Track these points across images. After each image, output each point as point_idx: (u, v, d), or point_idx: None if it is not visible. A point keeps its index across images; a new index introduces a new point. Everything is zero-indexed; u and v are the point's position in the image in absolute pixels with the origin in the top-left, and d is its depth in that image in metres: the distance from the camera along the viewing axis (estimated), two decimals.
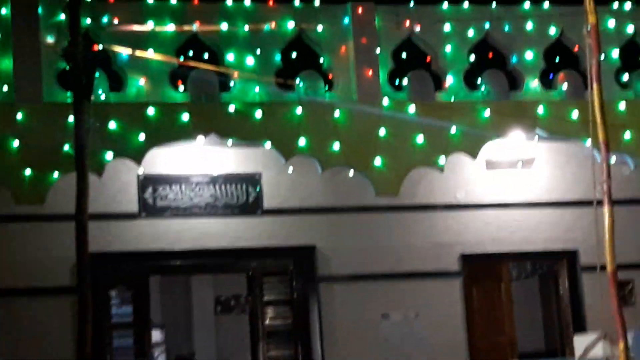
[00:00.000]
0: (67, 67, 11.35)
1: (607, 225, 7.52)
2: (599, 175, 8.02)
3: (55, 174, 11.68)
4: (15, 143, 11.88)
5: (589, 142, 10.70)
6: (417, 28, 13.58)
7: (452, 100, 13.54)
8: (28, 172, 11.79)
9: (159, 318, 14.38)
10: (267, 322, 13.10)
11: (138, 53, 12.42)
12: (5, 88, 12.17)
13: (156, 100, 12.47)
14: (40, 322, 11.86)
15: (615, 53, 13.95)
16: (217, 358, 15.34)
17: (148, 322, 13.12)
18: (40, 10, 12.46)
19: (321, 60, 13.37)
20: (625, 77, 14.01)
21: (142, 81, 12.57)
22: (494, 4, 13.96)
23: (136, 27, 12.58)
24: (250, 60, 12.87)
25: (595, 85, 7.80)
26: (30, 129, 11.93)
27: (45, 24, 12.39)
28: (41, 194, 11.78)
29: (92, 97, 10.71)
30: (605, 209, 7.61)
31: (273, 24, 13.10)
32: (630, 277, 12.50)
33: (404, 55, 13.67)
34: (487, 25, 13.88)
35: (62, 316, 11.55)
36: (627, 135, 13.17)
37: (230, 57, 12.94)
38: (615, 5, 13.90)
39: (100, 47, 12.08)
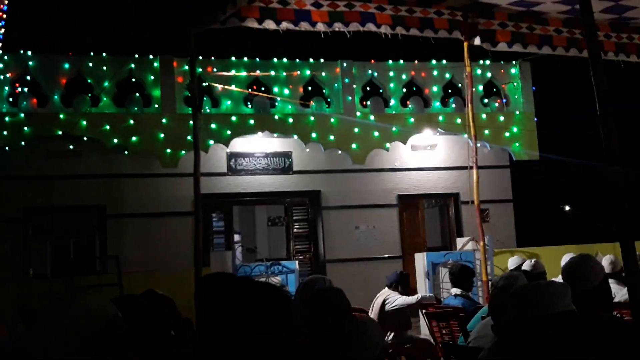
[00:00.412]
0: (189, 94, 11.99)
1: (475, 180, 9.46)
2: (471, 153, 9.96)
3: (183, 152, 12.45)
4: (162, 135, 12.65)
5: (466, 135, 11.55)
6: (375, 74, 14.20)
7: (393, 112, 14.01)
8: (169, 150, 12.63)
9: (238, 228, 14.58)
10: (294, 230, 14.19)
11: (226, 87, 13.07)
12: (156, 106, 12.92)
13: (236, 112, 13.15)
14: (173, 231, 12.76)
15: (480, 87, 14.44)
16: (268, 250, 15.56)
17: (231, 230, 13.87)
18: (176, 64, 13.00)
19: (324, 90, 13.96)
20: (485, 100, 14.55)
21: (228, 102, 13.27)
22: (416, 61, 14.34)
23: (225, 73, 13.15)
24: (286, 92, 13.48)
25: (469, 105, 9.66)
26: (170, 127, 12.64)
27: (177, 71, 12.98)
28: (175, 162, 12.59)
29: (202, 110, 11.04)
30: (474, 171, 9.51)
31: (297, 72, 13.63)
32: (486, 207, 12.81)
33: (367, 88, 14.27)
34: (412, 73, 14.28)
35: (186, 228, 12.28)
36: (486, 132, 13.81)
37: (275, 89, 13.47)
38: (481, 62, 14.18)
39: (206, 83, 12.20)
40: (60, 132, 12.22)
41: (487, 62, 14.39)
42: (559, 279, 3.98)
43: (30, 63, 12.49)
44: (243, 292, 1.87)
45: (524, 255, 9.01)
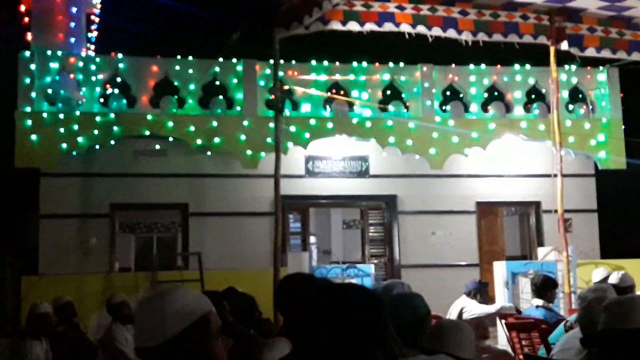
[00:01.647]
0: (270, 97, 12.32)
1: (559, 188, 9.29)
2: (555, 160, 9.76)
3: (263, 154, 12.48)
4: (242, 137, 12.70)
5: (550, 142, 11.19)
6: (456, 78, 13.97)
7: (474, 118, 13.75)
8: (249, 151, 12.65)
9: (314, 230, 14.55)
10: (369, 234, 14.08)
11: (306, 90, 13.14)
12: (238, 108, 12.92)
13: (315, 115, 13.14)
14: (253, 231, 12.82)
15: (565, 94, 13.96)
16: (343, 253, 15.55)
17: (308, 231, 13.99)
18: (258, 68, 13.05)
19: (403, 95, 13.67)
20: (570, 107, 14.14)
21: (307, 105, 13.28)
22: (498, 66, 13.99)
23: (305, 77, 13.20)
24: (365, 95, 13.36)
25: (555, 111, 9.49)
26: (251, 129, 12.68)
27: (259, 75, 13.06)
28: (255, 163, 12.65)
29: (283, 113, 11.08)
30: (558, 179, 9.34)
31: (376, 76, 13.52)
32: (569, 217, 12.05)
33: (447, 92, 13.92)
34: (494, 77, 13.97)
35: (264, 228, 12.36)
36: (571, 139, 13.34)
37: (354, 93, 13.39)
38: (566, 67, 13.76)
39: (287, 87, 12.85)
40: (147, 132, 12.48)
41: (574, 67, 13.98)
42: None
43: (121, 65, 12.76)
44: (330, 292, 1.86)
45: (608, 268, 8.85)
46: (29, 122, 12.00)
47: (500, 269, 10.99)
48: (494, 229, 14.40)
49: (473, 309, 7.99)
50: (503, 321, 7.43)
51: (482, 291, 8.28)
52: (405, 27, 8.01)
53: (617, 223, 18.32)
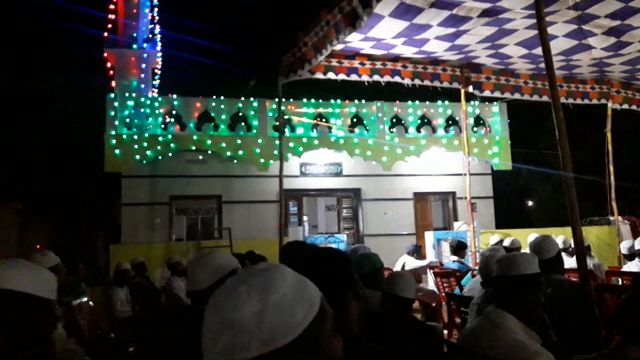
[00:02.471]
0: (276, 124, 12.04)
1: (468, 182, 9.39)
2: (465, 164, 9.87)
3: (271, 161, 12.47)
4: (257, 150, 12.58)
5: (461, 152, 11.27)
6: (399, 110, 13.70)
7: (411, 136, 13.49)
8: (262, 160, 12.57)
9: (306, 211, 14.34)
10: (343, 214, 13.94)
11: (300, 119, 13.00)
12: (254, 131, 12.72)
13: (306, 135, 12.95)
14: (262, 213, 12.75)
15: (471, 120, 13.89)
16: (325, 227, 15.48)
17: (302, 213, 13.80)
18: (267, 104, 12.89)
19: (364, 121, 13.46)
20: (475, 129, 13.95)
21: (301, 129, 13.05)
22: (427, 102, 13.82)
23: (299, 110, 13.09)
24: (339, 122, 13.24)
25: (464, 131, 9.56)
26: (263, 145, 12.53)
27: (269, 109, 12.88)
28: (266, 168, 12.53)
29: (284, 134, 11.76)
30: (467, 177, 9.43)
31: (346, 109, 13.31)
32: (474, 201, 10.82)
33: (393, 120, 13.72)
34: (424, 110, 13.81)
35: (272, 211, 12.38)
36: (475, 150, 13.28)
37: (332, 120, 13.16)
38: (472, 102, 13.73)
39: (287, 116, 12.74)
40: (193, 148, 12.42)
41: (477, 102, 14.00)
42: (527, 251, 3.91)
43: (175, 103, 12.68)
44: (316, 252, 1.87)
45: (501, 235, 8.90)
46: (114, 141, 11.98)
47: (429, 237, 10.99)
48: (425, 210, 14.34)
49: (412, 263, 8.03)
50: (431, 271, 7.48)
51: (418, 251, 8.32)
52: (365, 77, 8.01)
53: (506, 205, 18.54)
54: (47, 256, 3.01)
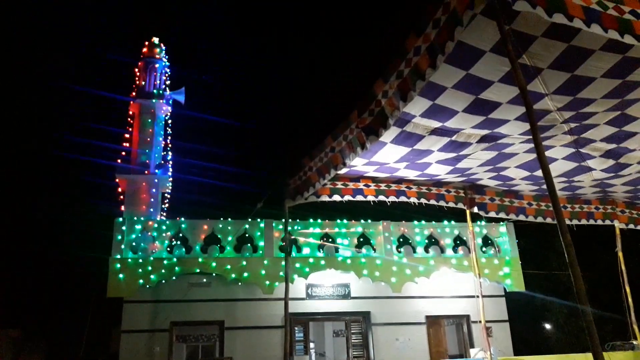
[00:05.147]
0: (282, 244, 12.35)
1: (481, 305, 9.12)
2: (477, 286, 9.66)
3: (277, 283, 12.19)
4: (263, 272, 12.25)
5: (472, 273, 11.06)
6: (406, 230, 13.75)
7: (419, 256, 13.39)
8: (267, 282, 12.23)
9: (313, 337, 13.55)
10: (352, 340, 13.27)
11: (306, 239, 12.98)
12: (260, 252, 12.62)
13: (313, 255, 12.84)
14: (266, 341, 12.21)
15: (479, 240, 13.74)
16: (334, 355, 14.64)
17: (308, 339, 13.04)
18: (274, 224, 12.89)
19: (371, 241, 13.54)
20: (484, 249, 13.82)
21: (307, 249, 13.00)
22: (433, 222, 13.86)
23: (305, 230, 13.13)
24: (345, 242, 13.19)
25: (473, 252, 9.49)
26: (269, 266, 12.29)
27: (275, 229, 12.83)
28: (271, 290, 12.18)
29: (290, 255, 12.01)
30: (480, 299, 9.19)
31: (353, 229, 13.36)
32: (489, 325, 11.57)
33: (401, 239, 13.62)
34: (431, 230, 13.78)
35: (277, 337, 12.04)
36: (486, 271, 13.27)
37: (339, 241, 13.22)
38: (479, 222, 13.69)
39: (293, 237, 12.76)
40: (198, 270, 12.32)
41: (483, 222, 14.02)
42: None
43: (183, 226, 12.85)
44: None
45: None
46: (118, 265, 11.95)
47: None
48: (439, 335, 13.72)
49: None
50: None
51: None
52: (371, 197, 8.19)
53: (522, 329, 17.71)
54: None
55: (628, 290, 9.78)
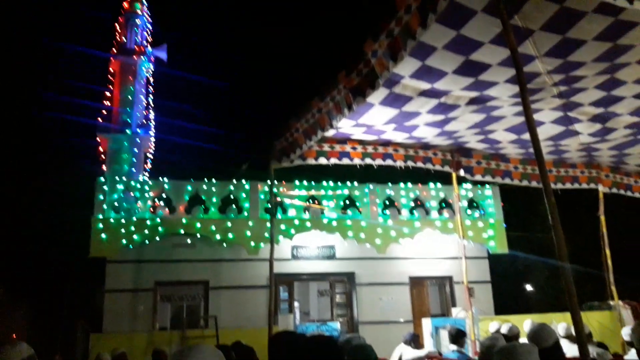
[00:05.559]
0: (268, 206, 12.16)
1: (464, 267, 9.31)
2: (460, 247, 9.84)
3: (262, 244, 12.33)
4: (248, 233, 12.45)
5: (456, 235, 11.29)
6: (392, 193, 14.00)
7: (404, 219, 13.69)
8: (252, 243, 12.48)
9: (297, 297, 13.42)
10: (336, 300, 13.64)
11: (292, 201, 13.18)
12: (245, 213, 12.64)
13: (298, 217, 13.03)
14: (251, 300, 12.39)
15: (464, 203, 14.21)
16: (318, 313, 14.28)
17: (292, 298, 13.23)
18: (259, 186, 13.01)
19: (357, 203, 13.67)
20: (469, 211, 14.14)
21: (293, 211, 13.16)
22: (419, 184, 14.05)
23: (291, 192, 13.23)
24: (331, 204, 13.38)
25: (458, 214, 9.62)
26: (254, 228, 12.57)
27: (260, 191, 13.02)
28: (256, 251, 12.37)
29: (276, 217, 12.00)
30: (463, 261, 9.38)
31: (339, 191, 13.57)
32: (472, 286, 10.93)
33: (386, 202, 13.92)
34: (417, 192, 14.07)
35: (262, 297, 12.16)
36: (470, 233, 13.57)
37: (325, 203, 13.42)
38: (464, 185, 14.01)
39: (279, 199, 12.96)
40: (182, 231, 12.40)
41: (469, 185, 14.22)
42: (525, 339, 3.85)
43: (166, 186, 12.83)
44: (305, 344, 1.84)
45: (500, 321, 8.65)
46: (101, 225, 11.97)
47: (427, 324, 10.71)
48: (422, 295, 14.07)
49: (409, 353, 7.76)
50: None
51: (415, 340, 8.05)
52: (357, 160, 8.19)
53: (504, 290, 18.25)
54: (17, 348, 2.92)
55: (608, 253, 10.08)
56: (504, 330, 6.81)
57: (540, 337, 3.27)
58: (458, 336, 7.05)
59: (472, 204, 14.57)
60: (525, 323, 6.93)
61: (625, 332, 6.29)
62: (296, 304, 13.44)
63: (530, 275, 23.32)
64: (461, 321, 10.26)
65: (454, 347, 6.98)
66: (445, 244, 13.88)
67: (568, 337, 6.48)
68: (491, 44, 4.99)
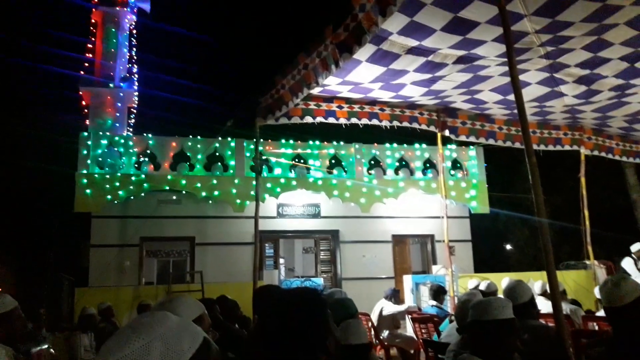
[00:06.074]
0: (253, 164, 11.73)
1: (446, 226, 9.45)
2: (442, 207, 9.97)
3: (247, 202, 12.46)
4: (234, 190, 12.48)
5: (439, 195, 10.95)
6: (377, 152, 13.96)
7: (389, 179, 13.74)
8: (238, 200, 12.47)
9: (282, 254, 13.69)
10: (321, 256, 13.75)
11: (278, 159, 13.08)
12: (231, 171, 12.77)
13: (284, 176, 13.00)
14: (237, 256, 12.43)
15: (448, 163, 14.17)
16: (302, 270, 14.69)
17: (278, 255, 13.43)
18: (245, 144, 12.93)
19: (342, 163, 13.68)
20: (452, 172, 14.25)
21: (279, 169, 13.11)
22: (404, 145, 14.05)
23: (277, 150, 13.18)
24: (317, 163, 13.35)
25: (442, 175, 9.71)
26: (240, 185, 12.61)
27: (246, 149, 12.92)
28: (242, 208, 12.49)
29: (261, 175, 11.45)
30: (445, 220, 9.51)
31: (325, 151, 13.51)
32: (452, 245, 11.12)
33: (372, 162, 14.01)
34: (402, 152, 14.04)
35: (247, 253, 11.82)
36: (453, 193, 13.63)
37: (310, 162, 13.37)
38: (449, 146, 13.90)
39: (264, 157, 12.39)
40: (167, 188, 12.34)
41: (454, 145, 14.18)
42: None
43: (150, 142, 12.69)
44: (287, 295, 1.84)
45: (479, 279, 8.91)
46: (85, 180, 11.86)
47: (408, 280, 10.91)
48: (404, 253, 14.28)
49: (390, 308, 7.98)
50: (409, 316, 7.45)
51: (396, 296, 8.28)
52: (343, 120, 8.14)
53: (484, 249, 18.70)
54: (0, 300, 2.94)
55: (586, 214, 10.28)
56: (483, 287, 6.98)
57: (515, 293, 3.33)
58: (438, 292, 7.30)
59: (456, 164, 14.68)
60: (503, 281, 7.13)
61: (597, 290, 6.52)
62: (281, 260, 13.80)
63: (510, 235, 23.83)
64: (441, 278, 10.46)
65: (433, 302, 7.18)
66: (428, 204, 13.95)
67: (543, 294, 6.67)
68: (480, 1, 4.90)
